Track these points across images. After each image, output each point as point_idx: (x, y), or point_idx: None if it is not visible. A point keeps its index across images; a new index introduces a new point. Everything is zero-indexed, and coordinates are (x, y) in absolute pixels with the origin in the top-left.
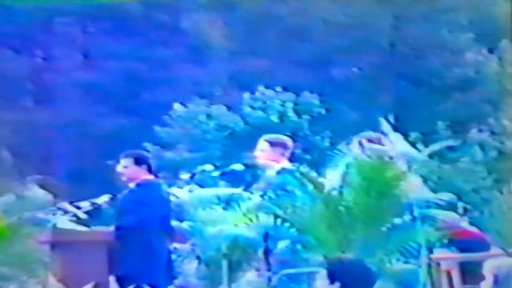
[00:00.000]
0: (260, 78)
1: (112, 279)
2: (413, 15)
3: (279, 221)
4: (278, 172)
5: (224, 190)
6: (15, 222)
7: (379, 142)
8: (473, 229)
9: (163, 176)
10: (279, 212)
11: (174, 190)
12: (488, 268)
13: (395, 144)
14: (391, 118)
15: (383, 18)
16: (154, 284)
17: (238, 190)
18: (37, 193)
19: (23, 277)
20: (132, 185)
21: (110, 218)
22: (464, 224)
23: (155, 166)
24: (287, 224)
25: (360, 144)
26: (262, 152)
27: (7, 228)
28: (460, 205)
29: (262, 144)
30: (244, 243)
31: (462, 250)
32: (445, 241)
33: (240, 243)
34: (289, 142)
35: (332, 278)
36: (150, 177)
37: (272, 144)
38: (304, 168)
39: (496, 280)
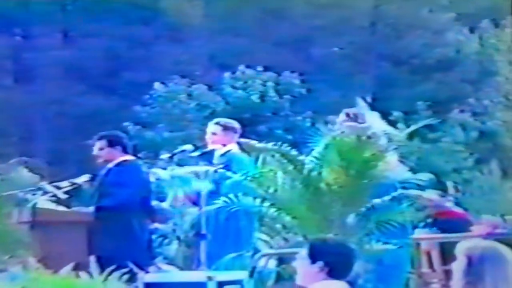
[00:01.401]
0: (240, 58)
1: (92, 259)
2: None
3: (258, 200)
4: (222, 155)
5: (203, 168)
6: None
7: (356, 118)
8: (457, 209)
9: (143, 156)
10: (260, 192)
11: (154, 169)
12: (460, 250)
13: (373, 123)
14: (369, 97)
15: None
16: (134, 264)
17: (218, 169)
18: (20, 173)
19: (4, 257)
20: (110, 165)
21: (89, 198)
22: (449, 204)
23: (136, 146)
24: (266, 204)
25: (348, 116)
26: (214, 136)
27: None
28: (449, 184)
29: (214, 128)
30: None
31: (444, 230)
32: (427, 221)
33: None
34: (238, 126)
35: (313, 258)
36: (128, 157)
37: (225, 128)
38: (285, 148)
39: (470, 262)
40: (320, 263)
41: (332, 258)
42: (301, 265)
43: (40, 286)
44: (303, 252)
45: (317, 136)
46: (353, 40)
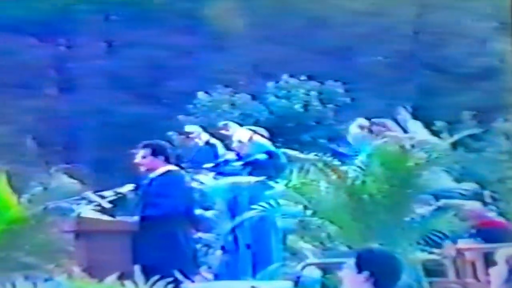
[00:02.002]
0: (284, 67)
1: (137, 268)
2: (437, 3)
3: (301, 208)
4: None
5: (247, 178)
6: (39, 212)
7: (384, 126)
8: (500, 219)
9: (187, 165)
10: (303, 201)
11: (199, 177)
12: (501, 256)
13: (415, 133)
14: (409, 106)
15: (407, 6)
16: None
17: (261, 179)
18: (63, 182)
19: (49, 266)
20: (153, 175)
21: (134, 208)
22: (492, 214)
23: (180, 155)
24: (309, 212)
25: (361, 127)
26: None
27: (32, 218)
28: (487, 194)
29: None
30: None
31: (488, 240)
32: (471, 231)
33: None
34: (266, 134)
35: (360, 267)
36: (171, 167)
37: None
38: (327, 158)
39: (511, 269)
40: (366, 273)
41: (379, 268)
42: (347, 274)
43: None
44: (350, 261)
45: (360, 145)
46: (396, 49)
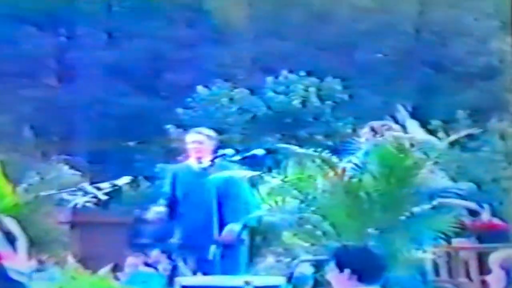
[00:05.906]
0: (284, 62)
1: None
2: (439, 1)
3: (303, 205)
4: None
5: (244, 172)
6: (33, 201)
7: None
8: (496, 220)
9: (183, 159)
10: (300, 197)
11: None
12: (494, 261)
13: (412, 132)
14: (409, 105)
15: (408, 3)
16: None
17: (258, 173)
18: (61, 172)
19: (42, 256)
20: None
21: (130, 199)
22: (486, 214)
23: (177, 149)
24: (307, 208)
25: (373, 130)
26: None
27: (26, 207)
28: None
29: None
30: (266, 227)
31: (482, 240)
32: (465, 231)
33: (261, 227)
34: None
35: (340, 267)
36: None
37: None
38: (325, 154)
39: (508, 273)
40: (347, 271)
41: (358, 265)
42: (332, 275)
43: (78, 286)
44: (331, 263)
45: (358, 142)
46: (397, 46)
